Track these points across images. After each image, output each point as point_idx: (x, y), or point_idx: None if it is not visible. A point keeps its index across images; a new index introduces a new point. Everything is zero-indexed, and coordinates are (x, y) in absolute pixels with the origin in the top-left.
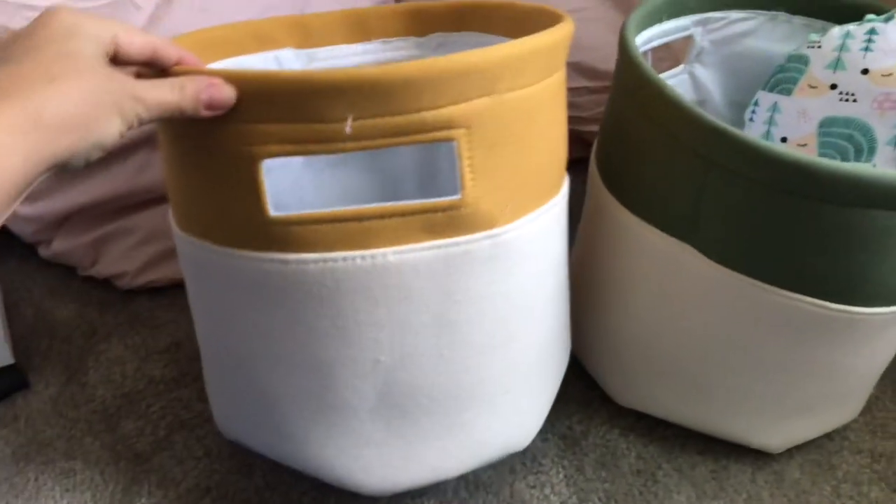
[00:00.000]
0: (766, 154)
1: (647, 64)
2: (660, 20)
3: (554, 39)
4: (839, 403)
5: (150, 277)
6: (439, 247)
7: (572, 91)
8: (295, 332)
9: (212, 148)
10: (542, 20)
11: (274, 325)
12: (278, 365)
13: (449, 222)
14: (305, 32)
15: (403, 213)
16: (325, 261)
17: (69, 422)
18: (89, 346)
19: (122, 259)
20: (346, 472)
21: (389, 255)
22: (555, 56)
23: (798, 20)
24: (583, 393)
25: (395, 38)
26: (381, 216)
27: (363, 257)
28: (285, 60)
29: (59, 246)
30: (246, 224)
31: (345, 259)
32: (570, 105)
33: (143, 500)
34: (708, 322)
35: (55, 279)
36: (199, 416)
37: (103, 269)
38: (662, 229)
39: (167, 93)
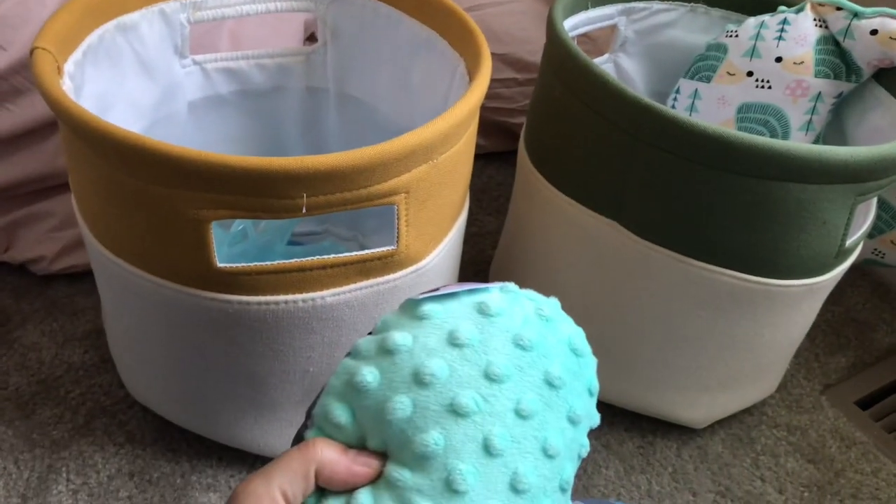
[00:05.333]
0: (688, 128)
1: (573, 44)
2: (585, 7)
3: (481, 96)
4: (758, 378)
5: (68, 263)
6: (372, 286)
7: (500, 82)
8: (229, 352)
9: (160, 204)
10: (446, 16)
11: (207, 345)
12: (208, 372)
13: (383, 266)
14: None
15: (343, 264)
16: (266, 303)
17: None
18: (3, 334)
19: (39, 244)
20: (271, 448)
21: (327, 296)
22: (477, 110)
23: (716, 12)
24: None
25: None
26: (323, 267)
27: (304, 300)
28: (171, 13)
29: None
30: (189, 269)
31: (286, 302)
32: (498, 97)
33: (62, 488)
34: (633, 297)
35: None
36: (121, 401)
37: (18, 254)
38: (590, 207)
39: None
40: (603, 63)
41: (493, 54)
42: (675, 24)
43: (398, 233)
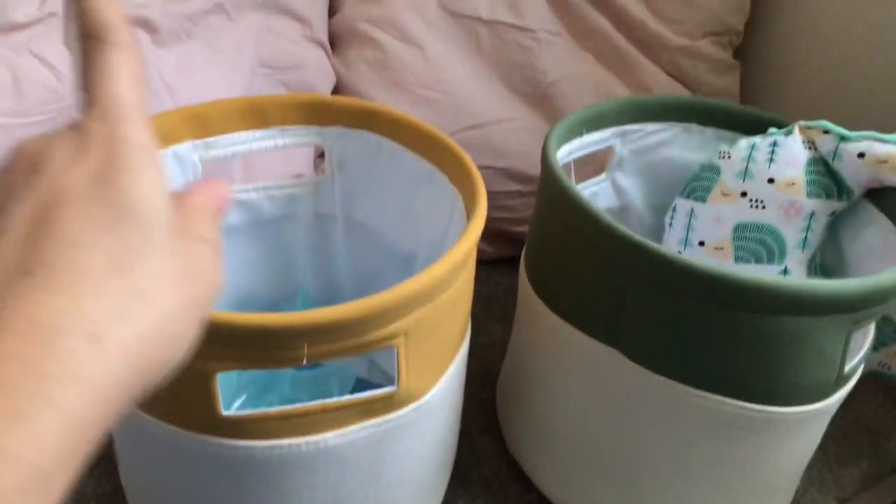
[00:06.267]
0: (680, 266)
1: (567, 178)
2: (580, 133)
3: (476, 237)
4: (768, 498)
5: None
6: (375, 425)
7: (504, 194)
8: (232, 493)
9: None
10: (445, 154)
11: (214, 485)
12: None
13: (385, 406)
14: (202, 123)
15: (346, 407)
16: (272, 448)
17: None
18: None
19: None
20: None
21: (331, 438)
22: (474, 249)
23: (710, 131)
24: (520, 496)
25: (293, 126)
26: (325, 410)
27: (307, 443)
28: (184, 154)
29: None
30: (195, 416)
31: (290, 446)
32: (503, 207)
33: None
34: (635, 423)
35: None
36: None
37: None
38: (590, 334)
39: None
40: (601, 181)
41: (495, 168)
42: (670, 143)
43: (398, 373)
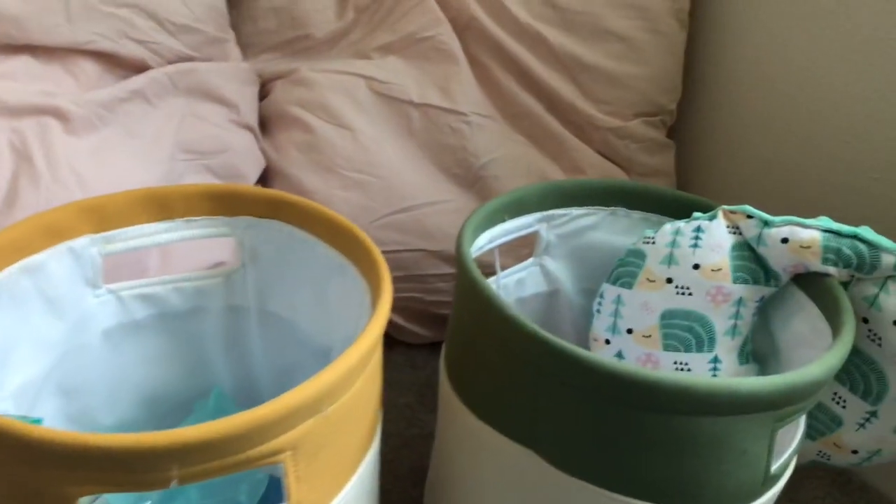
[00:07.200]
0: (586, 364)
1: (476, 269)
2: (502, 220)
3: (375, 338)
4: None
5: None
6: None
7: (437, 277)
8: None
9: (25, 483)
10: (355, 245)
11: None
12: None
13: None
14: (101, 216)
15: None
16: None
17: None
18: None
19: None
20: None
21: None
22: (373, 350)
23: (636, 214)
24: None
25: (199, 217)
26: None
27: None
28: (80, 249)
29: None
30: None
31: None
32: (436, 290)
33: None
34: None
35: None
36: None
37: None
38: (506, 435)
39: None
40: (529, 266)
41: (428, 251)
42: (597, 227)
43: (289, 491)
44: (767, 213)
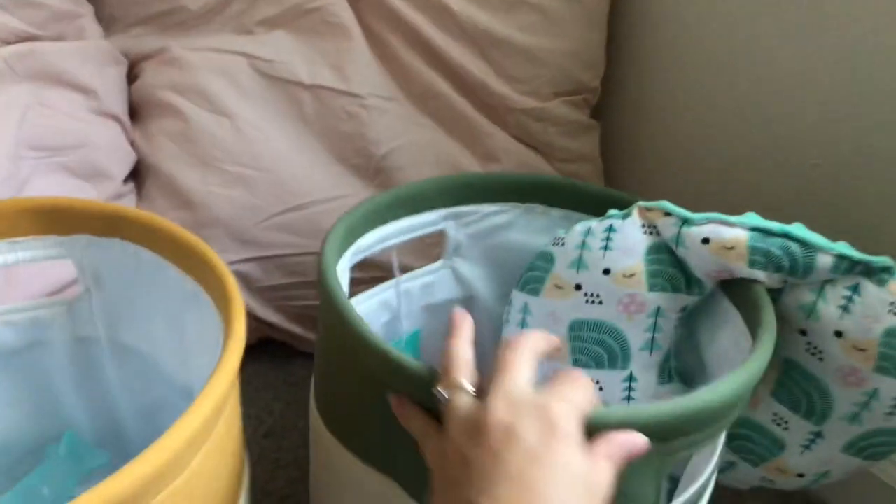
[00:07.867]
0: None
1: (337, 281)
2: (396, 216)
3: (221, 392)
4: None
5: None
6: None
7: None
8: None
9: None
10: (207, 270)
11: None
12: None
13: None
14: None
15: None
16: None
17: None
18: None
19: None
20: None
21: None
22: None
23: (556, 212)
24: None
25: (25, 237)
26: None
27: None
28: None
29: None
30: None
31: None
32: None
33: None
34: None
35: None
36: None
37: None
38: (366, 462)
39: None
40: (438, 269)
41: None
42: (511, 225)
43: None
44: (701, 207)
